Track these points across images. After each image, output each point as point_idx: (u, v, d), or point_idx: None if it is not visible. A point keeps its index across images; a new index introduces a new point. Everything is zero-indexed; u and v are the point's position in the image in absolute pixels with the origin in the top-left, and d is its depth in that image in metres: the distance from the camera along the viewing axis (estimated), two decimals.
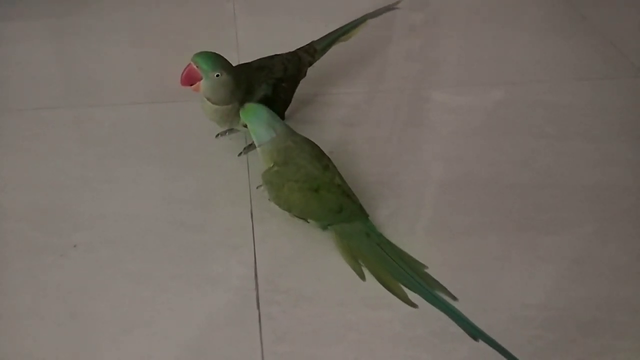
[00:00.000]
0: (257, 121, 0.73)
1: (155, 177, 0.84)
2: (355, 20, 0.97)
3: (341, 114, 0.97)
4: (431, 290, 0.68)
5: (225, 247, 0.74)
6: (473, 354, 0.63)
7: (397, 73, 1.08)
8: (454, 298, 0.68)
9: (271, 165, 0.73)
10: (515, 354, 0.62)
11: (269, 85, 0.83)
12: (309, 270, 0.71)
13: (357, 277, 0.70)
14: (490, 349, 0.63)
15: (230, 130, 0.88)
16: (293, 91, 0.90)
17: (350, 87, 1.04)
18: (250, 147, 0.88)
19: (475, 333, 0.64)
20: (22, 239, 0.75)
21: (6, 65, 1.08)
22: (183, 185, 0.83)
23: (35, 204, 0.80)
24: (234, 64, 0.80)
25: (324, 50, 0.94)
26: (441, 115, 0.98)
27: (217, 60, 0.75)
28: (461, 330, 0.65)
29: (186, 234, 0.76)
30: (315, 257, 0.73)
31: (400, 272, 0.70)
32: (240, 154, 0.87)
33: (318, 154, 0.74)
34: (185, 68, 0.75)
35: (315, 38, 0.95)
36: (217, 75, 0.75)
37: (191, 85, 0.76)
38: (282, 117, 0.87)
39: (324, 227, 0.74)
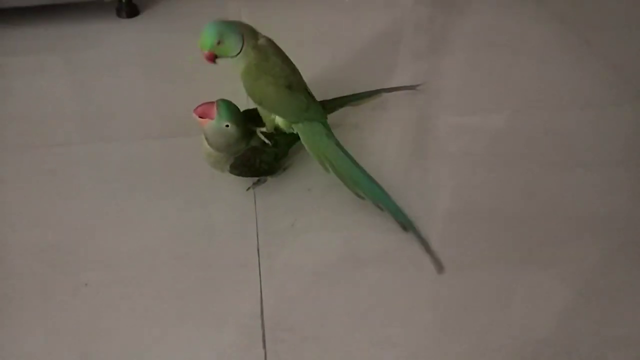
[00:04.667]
0: (228, 33, 0.77)
1: (165, 213, 0.86)
2: (370, 92, 1.01)
3: (345, 140, 0.98)
4: (378, 185, 0.83)
5: (233, 284, 0.75)
6: None
7: (400, 99, 1.10)
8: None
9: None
10: None
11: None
12: (315, 308, 0.72)
13: (363, 315, 0.71)
14: None
15: (258, 182, 0.90)
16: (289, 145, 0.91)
17: (354, 114, 1.05)
18: (259, 182, 0.90)
19: (407, 225, 0.81)
20: (34, 278, 0.77)
21: (19, 101, 1.11)
22: (192, 221, 0.85)
23: (47, 242, 0.82)
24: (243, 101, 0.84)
25: (333, 110, 0.96)
26: (444, 143, 0.99)
27: (234, 114, 0.79)
28: None
29: (194, 271, 0.77)
30: (322, 294, 0.74)
31: (353, 167, 0.84)
32: (248, 189, 0.89)
33: (286, 58, 0.83)
34: (207, 102, 0.78)
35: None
36: (227, 125, 0.78)
37: (201, 117, 0.78)
38: (275, 167, 0.89)
39: (290, 125, 0.84)
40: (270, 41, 0.83)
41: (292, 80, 0.83)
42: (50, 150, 0.98)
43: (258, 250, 0.80)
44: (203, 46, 0.78)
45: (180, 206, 0.87)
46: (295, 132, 0.86)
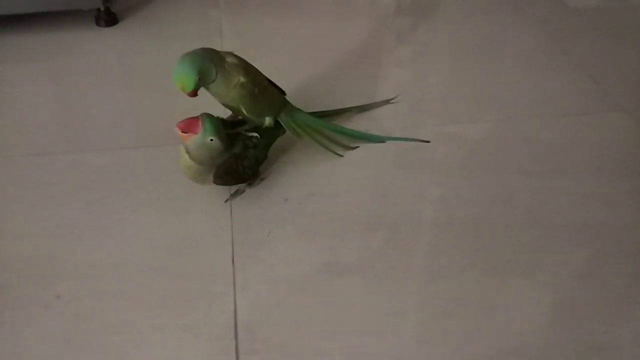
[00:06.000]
0: (202, 65, 0.78)
1: (140, 223, 0.85)
2: (342, 109, 1.05)
3: (320, 155, 0.98)
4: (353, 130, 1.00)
5: (207, 295, 0.75)
6: None
7: (381, 109, 1.10)
8: None
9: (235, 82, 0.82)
10: None
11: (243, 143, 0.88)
12: (290, 319, 0.72)
13: (338, 326, 0.71)
14: None
15: (235, 193, 0.90)
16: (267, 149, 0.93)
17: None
18: (237, 192, 0.89)
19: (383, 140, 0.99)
20: (7, 290, 0.76)
21: None
22: (167, 231, 0.84)
23: (21, 253, 0.81)
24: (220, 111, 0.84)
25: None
26: (422, 153, 0.99)
27: (218, 127, 0.80)
28: None
29: (169, 282, 0.77)
30: (297, 305, 0.74)
31: (328, 124, 0.98)
32: (227, 200, 0.88)
33: (246, 62, 0.87)
34: (190, 118, 0.79)
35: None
36: (211, 139, 0.79)
37: (184, 132, 0.78)
38: (257, 173, 0.91)
39: (274, 121, 0.91)
40: (233, 55, 0.84)
41: (265, 79, 0.91)
42: (26, 160, 0.97)
43: (233, 261, 0.79)
44: (186, 88, 0.77)
45: (156, 217, 0.86)
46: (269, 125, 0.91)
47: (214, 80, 0.81)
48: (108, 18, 1.35)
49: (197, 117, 0.79)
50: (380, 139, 1.01)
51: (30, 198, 0.90)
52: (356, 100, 1.09)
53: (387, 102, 1.11)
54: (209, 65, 0.79)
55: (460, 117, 1.08)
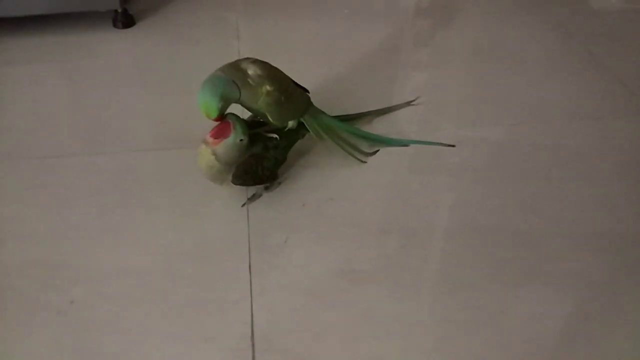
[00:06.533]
0: (224, 89, 0.77)
1: (155, 228, 0.84)
2: (362, 113, 1.03)
3: (339, 159, 0.96)
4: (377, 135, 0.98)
5: (223, 302, 0.73)
6: None
7: (399, 112, 1.07)
8: None
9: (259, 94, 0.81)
10: None
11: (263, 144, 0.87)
12: (308, 328, 0.70)
13: (357, 335, 0.69)
14: None
15: (253, 197, 0.88)
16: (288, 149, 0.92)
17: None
18: (254, 196, 0.87)
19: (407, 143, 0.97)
20: (21, 295, 0.74)
21: (10, 111, 1.09)
22: (183, 236, 0.82)
23: (35, 258, 0.79)
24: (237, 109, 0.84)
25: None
26: (442, 157, 0.96)
27: (246, 128, 0.80)
28: None
29: (184, 289, 0.75)
30: (314, 314, 0.72)
31: (352, 128, 0.97)
32: (244, 205, 0.87)
33: (269, 66, 0.86)
34: (221, 122, 0.79)
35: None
36: (241, 140, 0.79)
37: (216, 138, 0.78)
38: (276, 175, 0.89)
39: (297, 123, 0.89)
40: (255, 63, 0.83)
41: (290, 82, 0.89)
42: (41, 162, 0.97)
43: (250, 267, 0.77)
44: (211, 115, 0.77)
45: (172, 222, 0.85)
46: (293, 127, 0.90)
47: (239, 99, 0.80)
48: (125, 20, 1.34)
49: (227, 122, 0.79)
50: (404, 143, 0.98)
51: (45, 201, 0.89)
52: (375, 103, 1.07)
53: (408, 104, 1.08)
54: (230, 87, 0.78)
55: (482, 121, 1.05)
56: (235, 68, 0.81)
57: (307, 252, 0.79)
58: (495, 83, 1.17)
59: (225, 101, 0.78)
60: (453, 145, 0.98)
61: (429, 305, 0.73)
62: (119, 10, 1.32)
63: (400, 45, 1.31)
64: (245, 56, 0.86)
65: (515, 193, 0.89)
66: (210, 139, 0.78)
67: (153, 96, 1.14)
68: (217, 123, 0.79)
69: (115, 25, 1.34)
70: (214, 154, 0.79)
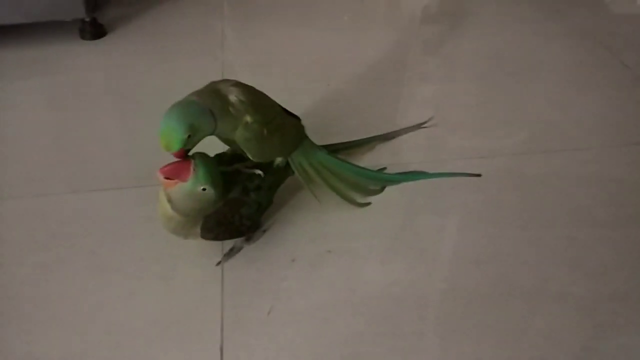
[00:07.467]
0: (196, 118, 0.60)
1: (103, 297, 0.66)
2: (363, 139, 0.88)
3: (338, 198, 0.80)
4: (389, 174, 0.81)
5: None
6: None
7: (409, 138, 0.91)
8: None
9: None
10: None
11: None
12: None
13: None
14: None
15: (230, 252, 0.71)
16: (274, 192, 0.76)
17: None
18: (232, 251, 0.71)
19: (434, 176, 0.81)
20: None
21: None
22: (137, 309, 0.65)
23: None
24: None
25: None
26: (464, 194, 0.80)
27: (213, 173, 0.62)
28: None
29: None
30: None
31: (356, 168, 0.79)
32: (218, 263, 0.70)
33: (256, 91, 0.69)
34: (179, 161, 0.61)
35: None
36: (203, 189, 0.61)
37: (168, 177, 0.60)
38: (258, 224, 0.73)
39: (285, 161, 0.73)
40: (238, 87, 0.66)
41: (279, 112, 0.72)
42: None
43: (221, 350, 0.60)
44: (171, 148, 0.59)
45: (123, 287, 0.68)
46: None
47: (213, 132, 0.63)
48: (94, 30, 1.19)
49: (187, 160, 0.61)
50: (421, 177, 0.82)
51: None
52: (378, 125, 0.91)
53: (418, 126, 0.92)
54: (204, 118, 0.61)
55: (507, 147, 0.89)
56: (214, 93, 0.64)
57: (298, 330, 0.62)
58: (517, 100, 1.01)
59: (195, 134, 0.60)
60: (479, 175, 0.82)
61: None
62: (87, 20, 1.17)
63: (407, 57, 1.15)
64: (231, 70, 0.69)
65: (552, 242, 0.72)
66: (161, 177, 0.59)
67: (120, 121, 0.98)
68: (176, 160, 0.62)
69: (82, 37, 1.19)
70: (169, 199, 0.62)
